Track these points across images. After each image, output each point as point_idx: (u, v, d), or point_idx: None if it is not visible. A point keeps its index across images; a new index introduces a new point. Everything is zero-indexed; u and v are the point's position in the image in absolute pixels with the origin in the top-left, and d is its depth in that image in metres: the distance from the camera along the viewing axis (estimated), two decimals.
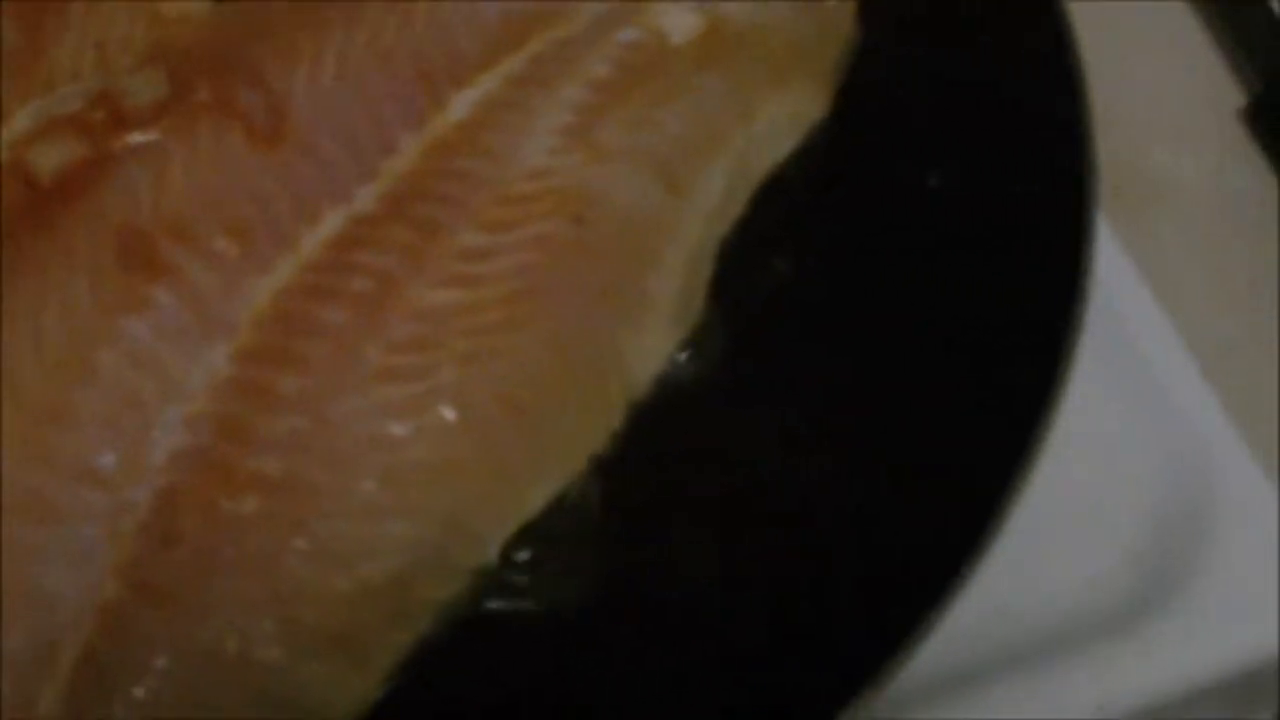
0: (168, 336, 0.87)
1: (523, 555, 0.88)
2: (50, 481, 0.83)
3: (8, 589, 0.81)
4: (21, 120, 0.94)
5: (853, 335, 0.93)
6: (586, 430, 0.90)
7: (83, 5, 0.98)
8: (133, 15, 0.99)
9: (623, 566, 0.88)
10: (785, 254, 0.97)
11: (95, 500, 0.84)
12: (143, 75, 0.93)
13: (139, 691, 0.81)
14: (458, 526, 0.86)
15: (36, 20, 0.97)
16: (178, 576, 0.83)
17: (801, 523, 0.87)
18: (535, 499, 0.88)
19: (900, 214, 0.96)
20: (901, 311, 0.92)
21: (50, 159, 0.90)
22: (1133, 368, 1.05)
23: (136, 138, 0.92)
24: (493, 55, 0.97)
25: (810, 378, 0.92)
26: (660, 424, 0.91)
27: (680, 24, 0.98)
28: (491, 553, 0.87)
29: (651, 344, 0.91)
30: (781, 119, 0.98)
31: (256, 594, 0.83)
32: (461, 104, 0.95)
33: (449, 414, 0.87)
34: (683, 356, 0.93)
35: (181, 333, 0.87)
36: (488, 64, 0.96)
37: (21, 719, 0.79)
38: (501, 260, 0.90)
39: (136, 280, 0.87)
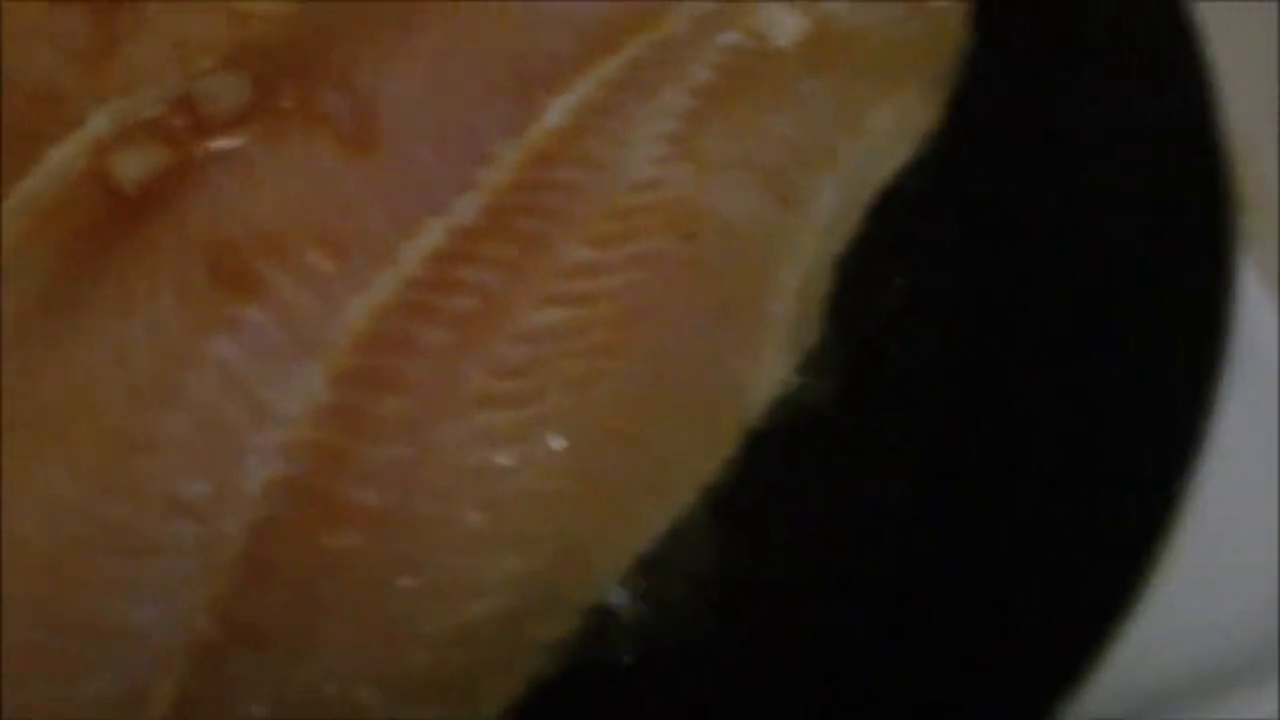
0: (260, 358, 0.83)
1: (635, 592, 0.81)
2: (137, 512, 0.80)
3: (95, 626, 0.78)
4: (99, 123, 0.89)
5: (976, 356, 0.88)
6: (699, 458, 0.86)
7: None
8: (213, 12, 0.93)
9: (738, 604, 0.85)
10: (903, 271, 0.92)
11: (185, 532, 0.80)
12: (225, 78, 0.88)
13: None
14: (568, 560, 0.82)
15: (109, 15, 0.92)
16: (275, 615, 0.79)
17: (930, 564, 0.82)
18: (647, 530, 0.84)
19: (1023, 230, 0.91)
20: (1029, 331, 0.87)
21: (134, 167, 0.87)
22: (1265, 398, 0.99)
23: (221, 144, 0.87)
24: (589, 58, 0.92)
25: (934, 403, 0.86)
26: (776, 451, 0.86)
27: (785, 25, 0.93)
28: (604, 589, 0.84)
29: (766, 367, 0.87)
30: (893, 127, 0.94)
31: (358, 634, 0.79)
32: (558, 110, 0.91)
33: (556, 442, 0.83)
34: (799, 380, 0.86)
35: (275, 354, 0.83)
36: (584, 67, 0.92)
37: None
38: (609, 278, 0.85)
39: (226, 297, 0.83)
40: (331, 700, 0.78)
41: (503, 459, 0.80)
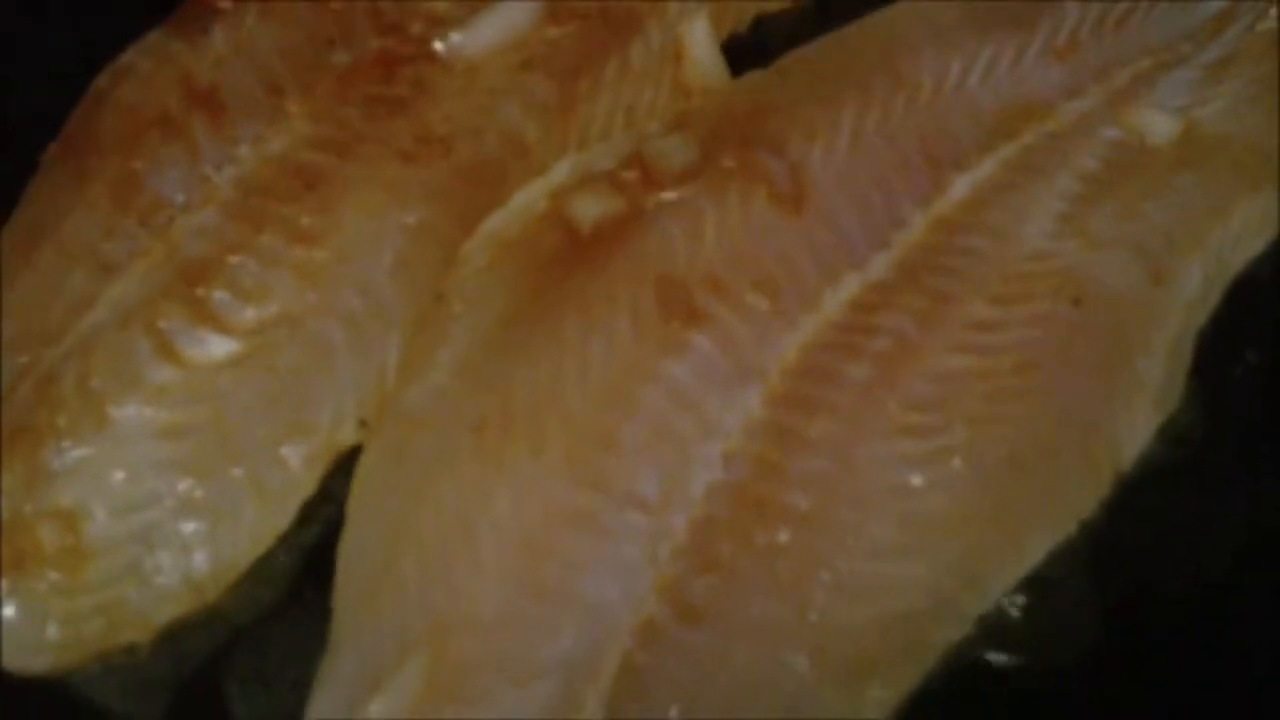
0: (706, 379, 0.95)
1: (1020, 606, 0.93)
2: (599, 502, 0.91)
3: (563, 595, 0.89)
4: (560, 171, 1.02)
5: None
6: (1080, 494, 0.97)
7: (615, 71, 1.06)
8: (659, 85, 1.08)
9: (1110, 629, 0.95)
10: (1257, 348, 1.03)
11: (639, 523, 0.91)
12: (674, 139, 1.02)
13: (673, 705, 0.87)
14: (966, 573, 0.93)
15: (572, 81, 1.07)
16: (714, 600, 0.90)
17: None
18: (1033, 553, 0.95)
19: None
20: None
21: (590, 210, 0.99)
22: None
23: (669, 196, 1.00)
24: (988, 142, 1.05)
25: None
26: (1144, 498, 0.97)
27: (1159, 126, 1.05)
28: (993, 600, 0.93)
29: (1138, 421, 0.98)
30: (1253, 220, 1.06)
31: (785, 620, 0.90)
32: (962, 185, 1.03)
33: (962, 469, 0.94)
34: (1168, 437, 0.98)
35: (718, 376, 0.95)
36: (984, 150, 1.04)
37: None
38: (1008, 333, 0.97)
39: (676, 326, 0.96)
40: (759, 676, 0.89)
41: (915, 479, 0.92)
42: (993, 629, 0.94)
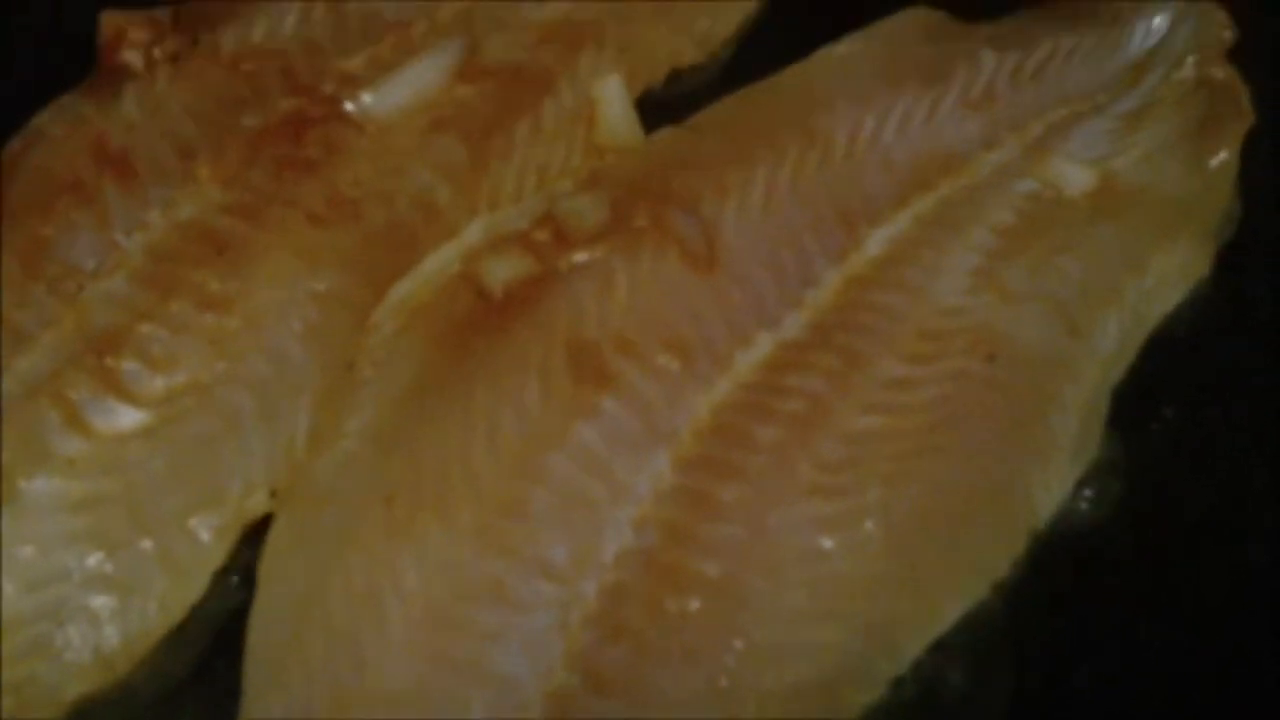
0: (616, 443, 0.94)
1: (934, 670, 0.92)
2: (508, 570, 0.90)
3: (472, 669, 0.88)
4: (470, 234, 1.01)
5: (1247, 485, 1.00)
6: (994, 554, 0.96)
7: (527, 130, 1.06)
8: (571, 144, 1.07)
9: (1025, 693, 0.94)
10: (1175, 404, 1.03)
11: (548, 591, 0.90)
12: (586, 198, 1.01)
13: None
14: (878, 637, 0.92)
15: (484, 141, 1.06)
16: (623, 668, 0.89)
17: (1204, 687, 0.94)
18: (946, 616, 0.94)
19: None
20: None
21: (501, 272, 0.98)
22: None
23: (581, 256, 0.99)
24: (903, 197, 1.05)
25: (1210, 531, 0.99)
26: (1059, 558, 0.97)
27: (1075, 178, 1.05)
28: (907, 664, 0.93)
29: (1053, 478, 0.97)
30: (1170, 272, 1.05)
31: (696, 688, 0.88)
32: (876, 241, 1.03)
33: (874, 531, 0.93)
34: (1084, 495, 0.97)
35: (629, 440, 0.94)
36: (898, 204, 1.04)
37: None
38: (921, 391, 0.97)
39: (586, 389, 0.95)
40: None
41: (826, 543, 0.91)
42: (906, 695, 0.93)
